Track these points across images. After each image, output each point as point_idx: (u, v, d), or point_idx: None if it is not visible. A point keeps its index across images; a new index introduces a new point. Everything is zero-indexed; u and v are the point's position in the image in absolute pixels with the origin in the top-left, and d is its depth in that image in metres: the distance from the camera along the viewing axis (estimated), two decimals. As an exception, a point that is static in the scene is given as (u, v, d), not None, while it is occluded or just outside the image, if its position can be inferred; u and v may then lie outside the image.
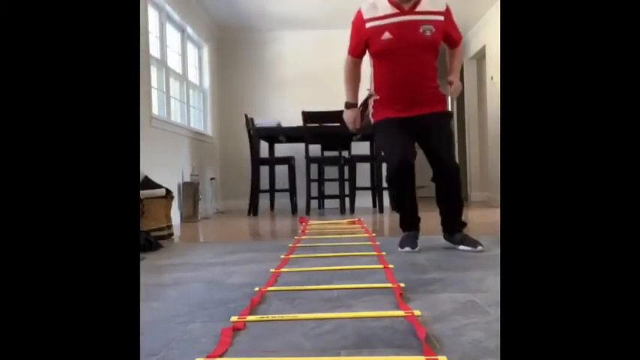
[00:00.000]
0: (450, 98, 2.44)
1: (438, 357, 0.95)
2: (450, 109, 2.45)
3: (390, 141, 2.39)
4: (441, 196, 2.43)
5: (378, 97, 2.46)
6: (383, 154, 2.55)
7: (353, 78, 2.58)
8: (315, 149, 5.51)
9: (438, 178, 2.39)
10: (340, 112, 4.86)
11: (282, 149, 5.93)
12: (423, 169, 9.51)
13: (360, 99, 2.62)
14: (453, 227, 2.43)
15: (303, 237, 2.99)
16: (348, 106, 2.60)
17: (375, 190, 5.24)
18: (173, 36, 5.02)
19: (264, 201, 5.50)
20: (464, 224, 2.44)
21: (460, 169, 2.43)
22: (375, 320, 1.23)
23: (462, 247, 2.34)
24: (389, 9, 2.32)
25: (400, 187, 2.39)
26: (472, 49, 6.72)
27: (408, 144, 2.37)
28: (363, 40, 2.40)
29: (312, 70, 6.36)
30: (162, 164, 4.14)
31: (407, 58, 2.31)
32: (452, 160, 2.39)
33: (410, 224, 2.48)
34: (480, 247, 2.28)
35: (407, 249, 2.33)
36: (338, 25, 6.07)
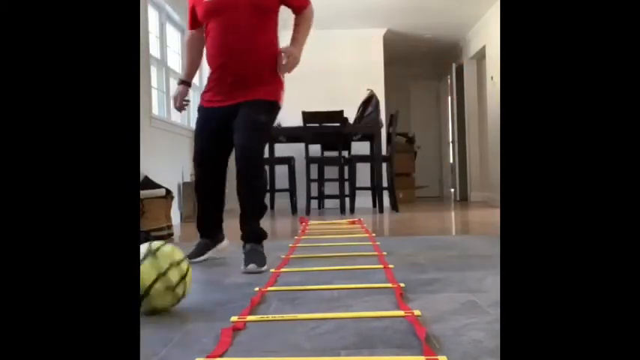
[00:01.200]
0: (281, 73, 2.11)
1: (438, 357, 0.95)
2: (278, 101, 2.13)
3: (197, 135, 2.16)
4: (238, 193, 2.07)
5: (209, 71, 2.17)
6: None
7: (189, 52, 2.31)
8: (315, 149, 5.51)
9: (237, 171, 2.03)
10: (340, 112, 4.91)
11: (282, 149, 5.93)
12: (423, 170, 9.48)
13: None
14: (245, 235, 2.09)
15: (303, 237, 2.99)
16: (178, 82, 2.33)
17: (375, 190, 5.24)
18: (173, 36, 5.02)
19: (264, 201, 5.49)
20: (260, 235, 2.10)
21: (264, 172, 2.11)
22: (375, 320, 1.23)
23: (244, 267, 1.94)
24: None
25: (201, 186, 2.17)
26: (472, 49, 6.72)
27: (214, 140, 2.10)
28: (191, 6, 2.17)
29: (312, 70, 6.34)
30: (162, 164, 4.13)
31: (231, 22, 2.02)
32: (249, 154, 2.00)
33: (202, 229, 2.21)
34: (263, 268, 1.93)
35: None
36: (338, 25, 6.08)
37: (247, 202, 2.08)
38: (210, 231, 2.22)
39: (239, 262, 2.19)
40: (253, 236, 2.08)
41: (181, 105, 2.30)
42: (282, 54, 2.07)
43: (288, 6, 2.15)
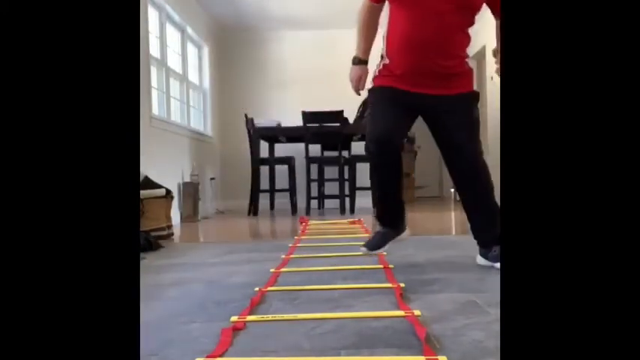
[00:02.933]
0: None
1: (438, 357, 0.96)
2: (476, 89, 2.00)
3: (378, 115, 1.95)
4: (467, 203, 1.96)
5: (388, 61, 1.94)
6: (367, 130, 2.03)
7: (367, 28, 2.03)
8: (315, 149, 5.51)
9: (461, 179, 1.94)
10: (340, 112, 4.91)
11: (282, 149, 5.93)
12: (423, 170, 9.46)
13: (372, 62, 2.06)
14: (488, 239, 1.92)
15: (303, 237, 2.99)
16: (356, 61, 2.09)
17: (375, 190, 5.24)
18: (173, 36, 5.02)
19: (264, 201, 5.50)
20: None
21: (487, 166, 1.94)
22: (375, 320, 1.23)
23: (499, 265, 1.82)
24: None
25: (380, 171, 1.96)
26: (472, 49, 6.71)
27: (398, 122, 1.92)
28: None
29: (312, 70, 6.36)
30: (162, 164, 4.14)
31: (434, 13, 1.80)
32: (476, 154, 1.90)
33: (382, 217, 2.06)
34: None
35: (363, 249, 2.00)
36: (338, 25, 6.08)
37: (481, 210, 1.95)
38: (392, 219, 2.04)
39: (238, 261, 2.19)
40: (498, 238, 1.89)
41: (364, 86, 2.11)
42: (494, 56, 1.91)
43: (491, 7, 1.93)
